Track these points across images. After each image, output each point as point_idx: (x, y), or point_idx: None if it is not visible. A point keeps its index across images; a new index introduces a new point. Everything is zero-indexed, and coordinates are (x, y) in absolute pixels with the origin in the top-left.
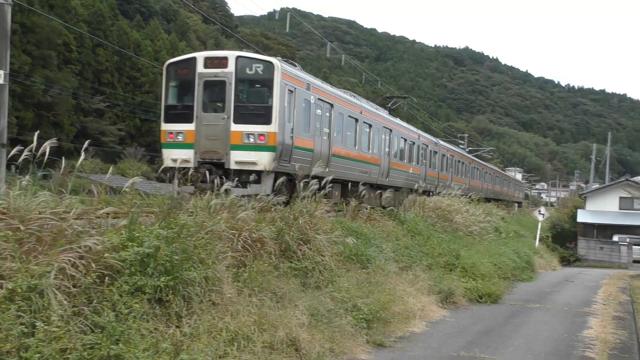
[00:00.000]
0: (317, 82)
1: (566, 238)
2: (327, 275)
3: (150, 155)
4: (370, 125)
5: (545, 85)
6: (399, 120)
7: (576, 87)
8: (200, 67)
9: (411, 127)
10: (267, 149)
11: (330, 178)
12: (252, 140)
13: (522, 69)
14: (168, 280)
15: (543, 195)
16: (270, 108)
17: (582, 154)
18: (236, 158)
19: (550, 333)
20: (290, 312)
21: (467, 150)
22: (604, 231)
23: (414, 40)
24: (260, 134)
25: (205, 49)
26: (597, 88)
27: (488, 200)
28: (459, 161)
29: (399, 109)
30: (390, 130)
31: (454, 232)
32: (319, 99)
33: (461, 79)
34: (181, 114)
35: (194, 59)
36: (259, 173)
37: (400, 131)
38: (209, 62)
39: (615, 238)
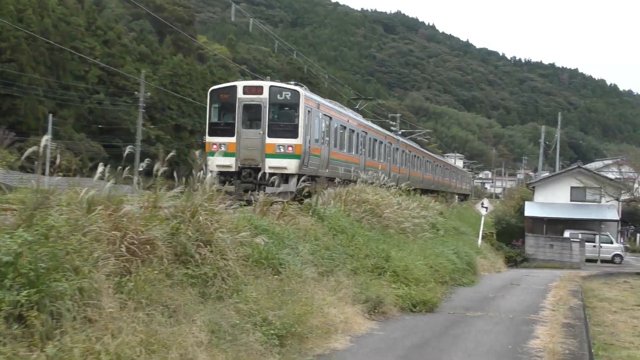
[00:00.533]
0: (323, 101)
1: (513, 235)
2: (231, 283)
3: (20, 140)
4: (352, 131)
5: (488, 57)
6: (367, 121)
7: (523, 61)
8: (240, 93)
9: (377, 127)
10: (294, 157)
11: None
12: (282, 150)
13: (463, 38)
14: (31, 294)
15: (487, 186)
16: (297, 126)
17: (530, 138)
18: (270, 164)
19: (493, 344)
20: (186, 328)
21: (399, 133)
22: (554, 226)
23: (336, 3)
24: (289, 145)
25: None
26: (546, 62)
27: (431, 192)
28: (403, 151)
29: (320, 84)
30: (366, 133)
31: (384, 229)
32: (323, 114)
33: (392, 49)
34: (224, 129)
35: (234, 87)
36: (287, 175)
37: (371, 132)
38: (247, 90)
39: (567, 234)
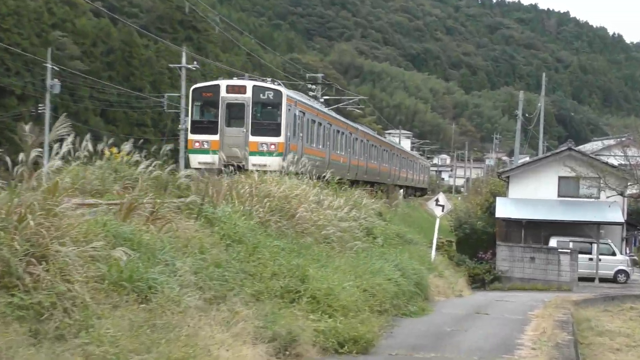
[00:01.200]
0: (297, 97)
1: (479, 244)
2: (77, 316)
3: None
4: (320, 124)
5: None
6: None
7: (494, 0)
8: (223, 92)
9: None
10: (276, 155)
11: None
12: (265, 148)
13: None
14: None
15: (445, 176)
16: (279, 124)
17: (503, 108)
18: (253, 161)
19: None
20: None
21: (322, 101)
22: (536, 232)
23: None
24: (272, 144)
25: None
26: (525, 1)
27: (383, 185)
28: (362, 141)
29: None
30: (330, 125)
31: (299, 236)
32: (299, 111)
33: None
34: (207, 127)
35: (217, 86)
36: (269, 172)
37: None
38: (230, 89)
39: (553, 242)
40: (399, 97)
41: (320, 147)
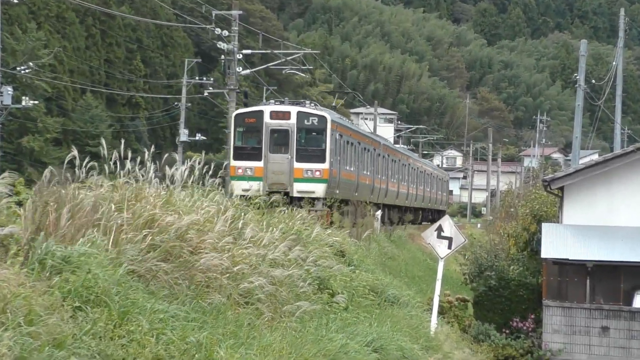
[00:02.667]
0: (338, 119)
1: (513, 304)
2: None
3: None
4: (351, 144)
5: None
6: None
7: None
8: (267, 118)
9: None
10: (322, 181)
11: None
12: (310, 174)
13: None
14: None
15: (454, 187)
16: (324, 151)
17: (553, 71)
18: (298, 188)
19: None
20: None
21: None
22: (612, 282)
23: None
24: (317, 170)
25: None
26: None
27: (406, 211)
28: (384, 157)
29: None
30: (359, 143)
31: (202, 294)
32: (339, 134)
33: None
34: (250, 153)
35: (261, 112)
36: (314, 199)
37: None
38: (275, 115)
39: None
40: (374, 50)
41: (352, 169)
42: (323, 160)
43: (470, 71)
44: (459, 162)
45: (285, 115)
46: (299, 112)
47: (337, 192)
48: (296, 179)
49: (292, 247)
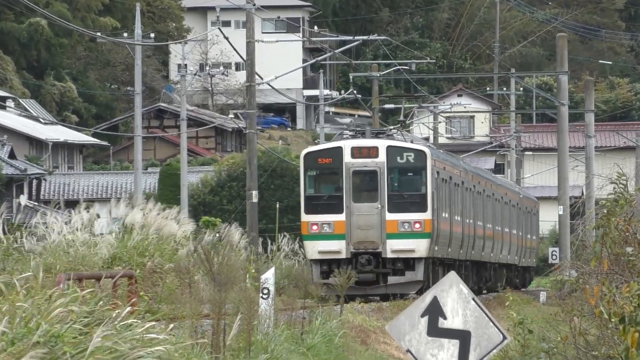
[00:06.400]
0: (440, 154)
1: None
2: None
3: None
4: (461, 185)
5: None
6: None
7: None
8: (347, 157)
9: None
10: (423, 236)
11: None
12: (407, 228)
13: None
14: None
15: None
16: (424, 196)
17: None
18: (393, 246)
19: None
20: None
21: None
22: None
23: None
24: (417, 221)
25: None
26: None
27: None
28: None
29: None
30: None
31: None
32: (444, 173)
33: None
34: (327, 204)
35: (339, 149)
36: (413, 260)
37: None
38: (357, 152)
39: None
40: None
41: (467, 220)
42: (424, 209)
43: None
44: (479, 126)
45: (372, 152)
46: (389, 147)
47: (446, 249)
48: (389, 234)
49: None
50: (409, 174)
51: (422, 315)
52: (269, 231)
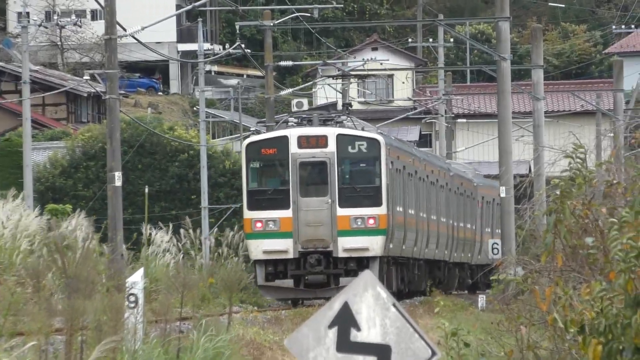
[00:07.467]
0: (394, 142)
1: None
2: None
3: None
4: (415, 175)
5: None
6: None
7: None
8: (293, 147)
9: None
10: (378, 233)
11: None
12: (361, 224)
13: None
14: None
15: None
16: (379, 188)
17: None
18: (345, 245)
19: None
20: None
21: None
22: None
23: None
24: (370, 217)
25: None
26: None
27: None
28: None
29: None
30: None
31: None
32: (399, 162)
33: None
34: (272, 199)
35: (285, 138)
36: (367, 259)
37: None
38: (304, 141)
39: None
40: None
41: (421, 213)
42: (379, 202)
43: None
44: (400, 88)
45: (320, 141)
46: (339, 136)
47: (400, 246)
48: (341, 231)
49: None
50: (361, 164)
51: (330, 326)
52: (136, 222)
